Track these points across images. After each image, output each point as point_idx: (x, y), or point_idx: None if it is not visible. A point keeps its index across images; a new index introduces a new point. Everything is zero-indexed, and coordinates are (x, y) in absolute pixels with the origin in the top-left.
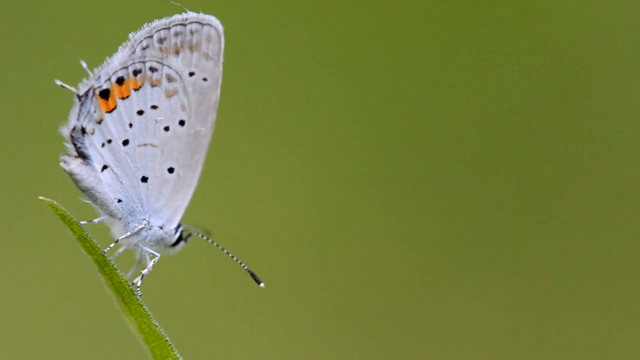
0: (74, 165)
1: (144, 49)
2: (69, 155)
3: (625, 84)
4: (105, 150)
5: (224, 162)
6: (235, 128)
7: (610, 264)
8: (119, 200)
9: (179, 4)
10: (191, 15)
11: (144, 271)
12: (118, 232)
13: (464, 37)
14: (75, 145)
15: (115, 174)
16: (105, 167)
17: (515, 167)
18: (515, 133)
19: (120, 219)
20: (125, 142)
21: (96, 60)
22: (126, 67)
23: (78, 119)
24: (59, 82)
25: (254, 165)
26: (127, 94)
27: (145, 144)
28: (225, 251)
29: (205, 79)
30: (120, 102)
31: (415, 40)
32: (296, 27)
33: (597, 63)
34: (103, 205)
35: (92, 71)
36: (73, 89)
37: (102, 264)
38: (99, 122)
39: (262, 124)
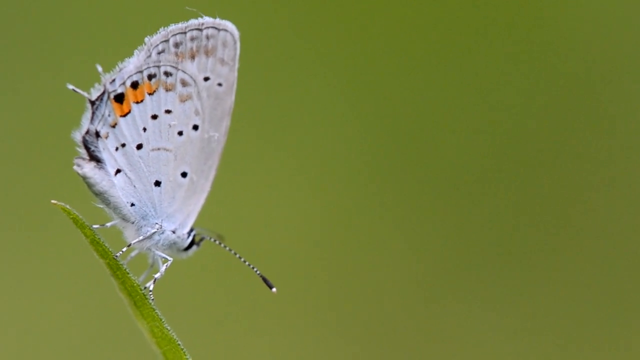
0: (88, 168)
1: (159, 53)
2: (83, 158)
3: (632, 87)
4: (118, 154)
5: (238, 167)
6: (249, 133)
7: (622, 273)
8: (132, 204)
9: (194, 9)
10: (208, 20)
11: (157, 275)
12: (130, 236)
13: (468, 43)
14: (88, 149)
15: (129, 178)
16: (118, 171)
17: (524, 175)
18: (525, 142)
19: (133, 223)
20: (139, 146)
21: (111, 65)
22: (141, 72)
23: (92, 123)
24: (71, 87)
25: (267, 170)
26: (142, 98)
27: (158, 148)
28: (237, 255)
29: (220, 84)
30: (134, 106)
31: (419, 46)
32: (307, 33)
33: (603, 67)
34: (116, 209)
35: (106, 75)
36: (85, 93)
37: (115, 267)
38: (113, 126)
39: (275, 130)
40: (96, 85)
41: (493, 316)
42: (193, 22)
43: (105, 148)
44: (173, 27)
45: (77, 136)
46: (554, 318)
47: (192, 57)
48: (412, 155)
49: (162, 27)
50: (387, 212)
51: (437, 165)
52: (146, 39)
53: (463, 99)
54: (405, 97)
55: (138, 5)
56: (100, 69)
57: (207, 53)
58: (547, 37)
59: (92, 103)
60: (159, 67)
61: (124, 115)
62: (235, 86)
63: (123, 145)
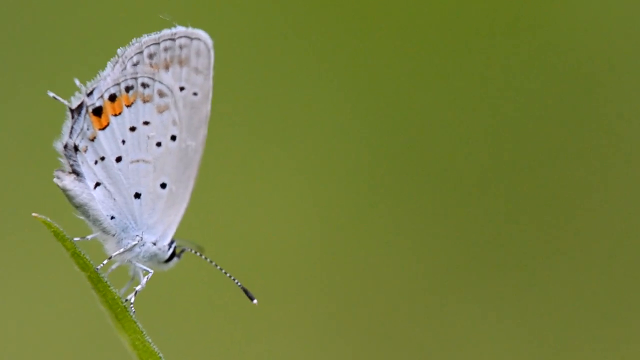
0: (68, 181)
1: (134, 65)
2: (63, 171)
3: (634, 88)
4: (98, 168)
5: (216, 177)
6: (228, 142)
7: (623, 274)
8: (112, 217)
9: (168, 18)
10: (180, 29)
11: (138, 287)
12: (111, 248)
13: (468, 44)
14: (67, 161)
15: (108, 191)
16: (98, 184)
17: (525, 175)
18: (526, 142)
19: (114, 236)
20: (118, 159)
21: (89, 75)
22: (118, 84)
23: (70, 137)
24: (51, 94)
25: (247, 179)
26: (120, 111)
27: (138, 160)
28: (218, 267)
29: (195, 94)
30: (113, 119)
31: (420, 46)
32: (291, 36)
33: (604, 67)
34: (96, 221)
35: (82, 87)
36: (65, 101)
37: (96, 280)
38: (92, 140)
39: (256, 138)
40: (77, 93)
41: (493, 316)
42: (166, 32)
43: (84, 162)
44: (146, 38)
45: (59, 146)
46: (554, 319)
47: (167, 68)
48: (412, 155)
49: (135, 39)
50: (387, 212)
51: (438, 164)
52: (119, 51)
53: (463, 98)
54: (406, 97)
55: (128, 15)
56: (78, 82)
57: (180, 63)
58: (548, 37)
59: (72, 111)
60: (136, 78)
61: (103, 129)
62: (210, 95)
63: (102, 158)
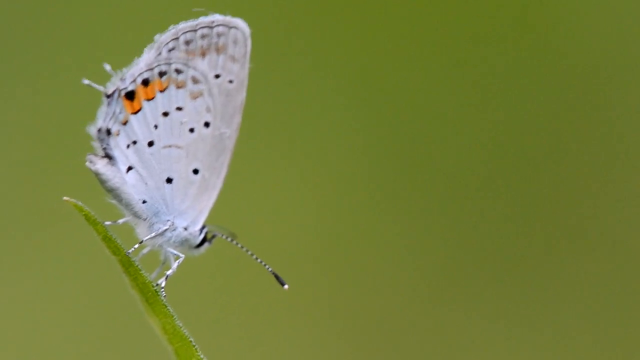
0: (100, 165)
1: (170, 50)
2: (95, 155)
3: (636, 91)
4: (130, 152)
5: (249, 165)
6: (260, 131)
7: (627, 281)
8: (144, 201)
9: (202, 9)
10: (218, 17)
11: (168, 272)
12: (142, 233)
13: (469, 46)
14: (100, 145)
15: (140, 175)
16: (130, 168)
17: (526, 180)
18: (527, 146)
19: (145, 220)
20: (150, 144)
21: (124, 62)
22: (151, 69)
23: (104, 121)
24: (86, 81)
25: (279, 168)
26: (153, 96)
27: (170, 146)
28: (249, 253)
29: (231, 82)
30: (145, 104)
31: (421, 49)
32: (291, 38)
33: (607, 70)
34: (128, 205)
35: (117, 73)
36: (101, 88)
37: (127, 264)
38: (124, 124)
39: (286, 128)
40: (112, 79)
41: (493, 318)
42: (203, 19)
43: (117, 145)
44: (183, 25)
45: (93, 131)
46: (555, 322)
47: (203, 55)
48: (414, 159)
49: (172, 25)
50: (387, 215)
51: (439, 169)
52: (156, 37)
53: (464, 101)
54: (406, 99)
55: (154, 4)
56: (108, 67)
57: (217, 50)
58: (550, 39)
59: (108, 97)
60: (169, 64)
61: (135, 113)
62: (246, 83)
63: (134, 142)
